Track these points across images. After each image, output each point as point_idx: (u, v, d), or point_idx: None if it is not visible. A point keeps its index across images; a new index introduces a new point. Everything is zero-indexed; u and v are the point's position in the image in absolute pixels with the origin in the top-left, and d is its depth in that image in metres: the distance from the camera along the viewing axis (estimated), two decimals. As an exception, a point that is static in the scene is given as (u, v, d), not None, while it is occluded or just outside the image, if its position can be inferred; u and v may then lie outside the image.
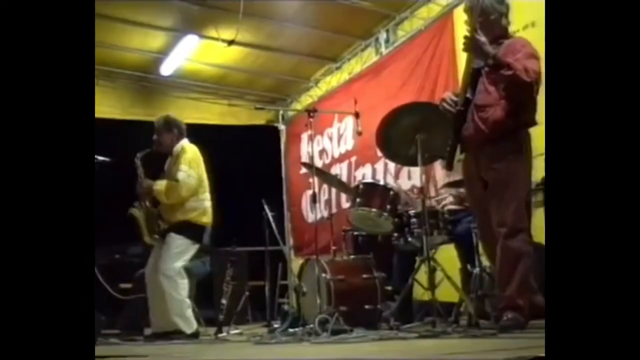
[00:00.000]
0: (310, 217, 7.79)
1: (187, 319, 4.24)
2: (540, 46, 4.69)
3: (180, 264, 4.28)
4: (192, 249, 4.37)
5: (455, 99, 3.24)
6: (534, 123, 3.19)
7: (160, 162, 4.62)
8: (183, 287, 4.27)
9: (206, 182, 4.50)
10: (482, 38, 3.06)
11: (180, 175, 4.30)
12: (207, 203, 4.50)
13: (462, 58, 5.65)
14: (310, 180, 7.37)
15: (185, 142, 4.54)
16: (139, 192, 4.46)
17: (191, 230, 4.36)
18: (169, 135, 4.54)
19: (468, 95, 3.18)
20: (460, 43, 5.80)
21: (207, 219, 4.48)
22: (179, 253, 4.29)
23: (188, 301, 4.31)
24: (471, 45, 3.07)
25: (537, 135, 4.64)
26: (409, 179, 5.85)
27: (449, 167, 3.31)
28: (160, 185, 4.36)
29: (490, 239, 3.21)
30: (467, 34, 3.08)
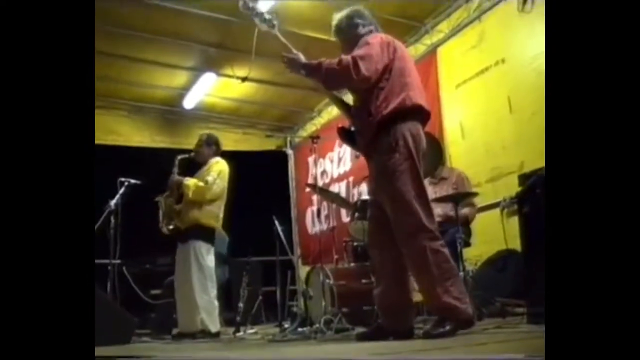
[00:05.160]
0: (314, 230, 7.80)
1: (214, 319, 4.21)
2: (509, 79, 4.86)
3: (208, 263, 4.27)
4: (210, 248, 4.36)
5: None
6: (404, 110, 2.71)
7: (194, 170, 4.65)
8: (212, 288, 4.25)
9: (225, 195, 4.52)
10: (294, 55, 3.01)
11: (210, 179, 4.36)
12: (221, 212, 4.52)
13: (445, 91, 5.73)
14: (314, 198, 7.46)
15: (219, 158, 4.62)
16: (169, 186, 4.49)
17: (204, 233, 4.36)
18: (208, 149, 4.62)
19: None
20: (443, 79, 5.84)
21: (217, 223, 4.51)
22: (201, 255, 4.27)
23: (216, 302, 4.27)
24: (288, 63, 3.02)
25: (510, 153, 4.74)
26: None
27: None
28: (190, 181, 4.39)
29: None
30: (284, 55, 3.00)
